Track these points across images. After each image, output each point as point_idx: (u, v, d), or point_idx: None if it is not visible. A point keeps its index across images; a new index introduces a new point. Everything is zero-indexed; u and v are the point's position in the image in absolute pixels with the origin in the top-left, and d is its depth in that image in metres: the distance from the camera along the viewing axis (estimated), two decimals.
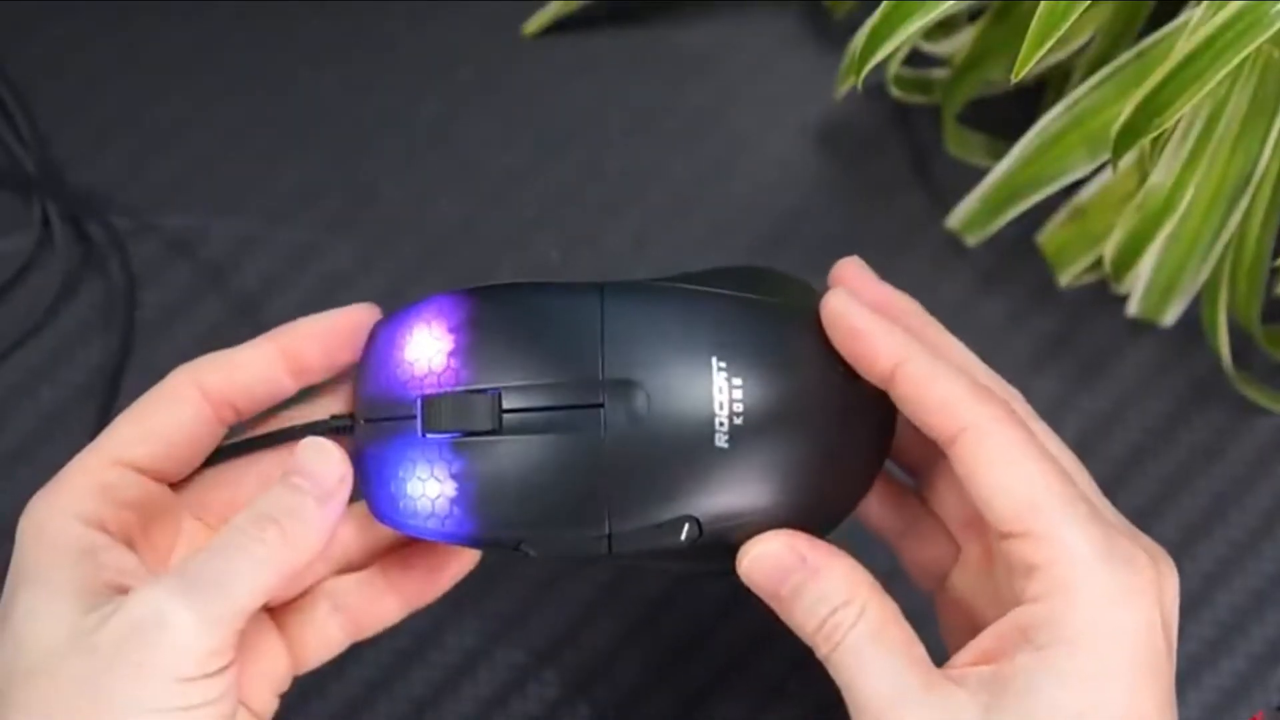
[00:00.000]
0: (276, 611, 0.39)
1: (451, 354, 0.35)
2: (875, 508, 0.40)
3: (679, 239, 0.50)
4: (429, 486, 0.35)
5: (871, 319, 0.36)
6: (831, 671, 0.34)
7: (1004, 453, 0.34)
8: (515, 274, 0.50)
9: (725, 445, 0.34)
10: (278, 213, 0.50)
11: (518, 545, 0.35)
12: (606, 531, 0.34)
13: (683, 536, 0.34)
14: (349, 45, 0.52)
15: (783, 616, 0.35)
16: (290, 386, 0.38)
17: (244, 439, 0.38)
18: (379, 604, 0.39)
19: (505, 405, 0.34)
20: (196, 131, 0.51)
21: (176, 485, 0.38)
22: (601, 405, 0.34)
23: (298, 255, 0.50)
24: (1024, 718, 0.32)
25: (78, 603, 0.33)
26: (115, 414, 0.37)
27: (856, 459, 0.37)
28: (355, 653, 0.45)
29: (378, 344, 0.37)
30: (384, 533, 0.39)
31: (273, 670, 0.38)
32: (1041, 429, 0.37)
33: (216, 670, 0.33)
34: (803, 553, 0.35)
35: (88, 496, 0.35)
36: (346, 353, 0.38)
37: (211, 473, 0.38)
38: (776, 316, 0.36)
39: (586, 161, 0.51)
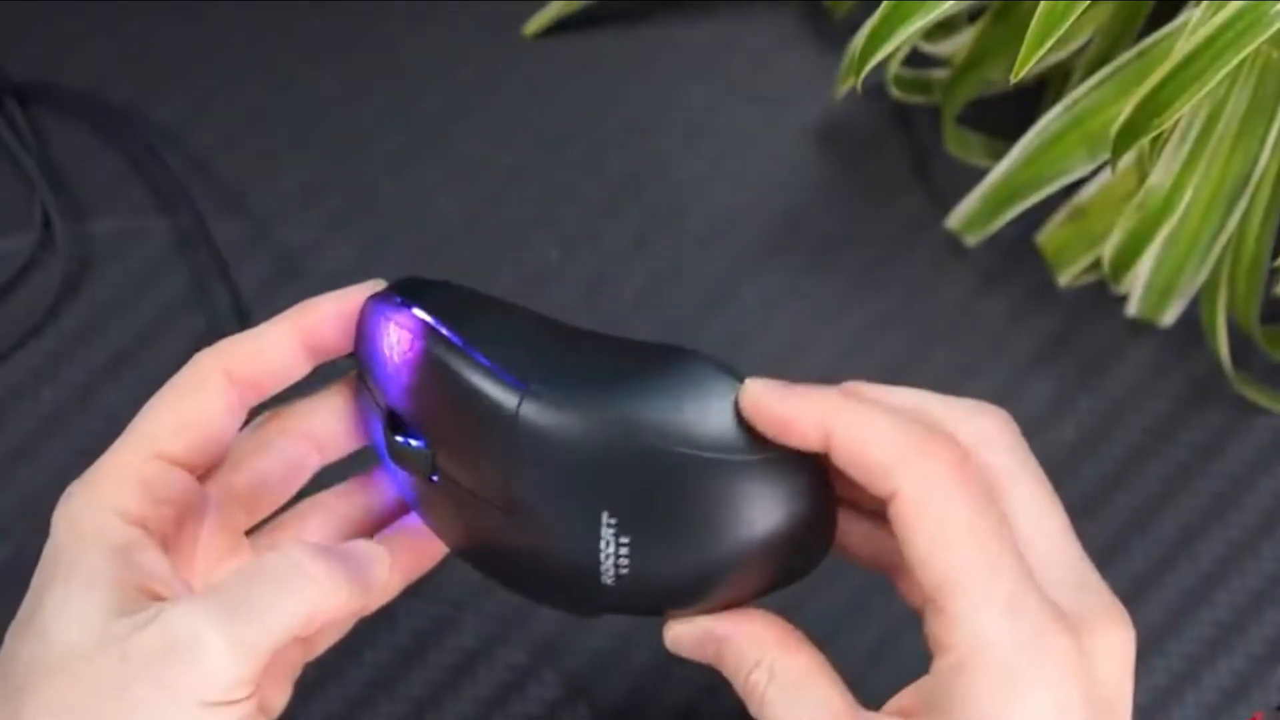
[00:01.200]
0: None
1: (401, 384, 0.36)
2: (855, 541, 0.38)
3: (679, 239, 0.50)
4: None
5: (789, 394, 0.34)
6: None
7: (930, 525, 0.33)
8: (515, 274, 0.50)
9: (611, 584, 0.35)
10: (277, 212, 0.50)
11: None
12: None
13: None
14: (349, 45, 0.52)
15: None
16: (305, 366, 0.38)
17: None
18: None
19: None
20: (196, 131, 0.51)
21: (202, 476, 0.37)
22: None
23: (298, 255, 0.50)
24: None
25: (110, 604, 0.33)
26: (115, 413, 0.37)
27: (773, 556, 0.36)
28: (355, 653, 0.45)
29: (371, 322, 0.38)
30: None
31: (289, 657, 0.38)
32: (1017, 461, 0.35)
33: (242, 697, 0.33)
34: (707, 626, 0.36)
35: (129, 491, 0.35)
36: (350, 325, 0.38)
37: (230, 461, 0.38)
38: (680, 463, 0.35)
39: (586, 161, 0.51)
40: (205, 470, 0.37)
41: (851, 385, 0.36)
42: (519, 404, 0.34)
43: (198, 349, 0.37)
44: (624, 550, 0.34)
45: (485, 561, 0.37)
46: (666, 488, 0.34)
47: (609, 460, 0.34)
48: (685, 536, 0.34)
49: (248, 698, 0.33)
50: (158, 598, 0.34)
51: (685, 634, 0.36)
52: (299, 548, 0.35)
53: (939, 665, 0.33)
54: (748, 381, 0.35)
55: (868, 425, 0.34)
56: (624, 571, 0.34)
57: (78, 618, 0.33)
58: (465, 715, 0.46)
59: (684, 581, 0.35)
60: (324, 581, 0.34)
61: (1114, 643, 0.33)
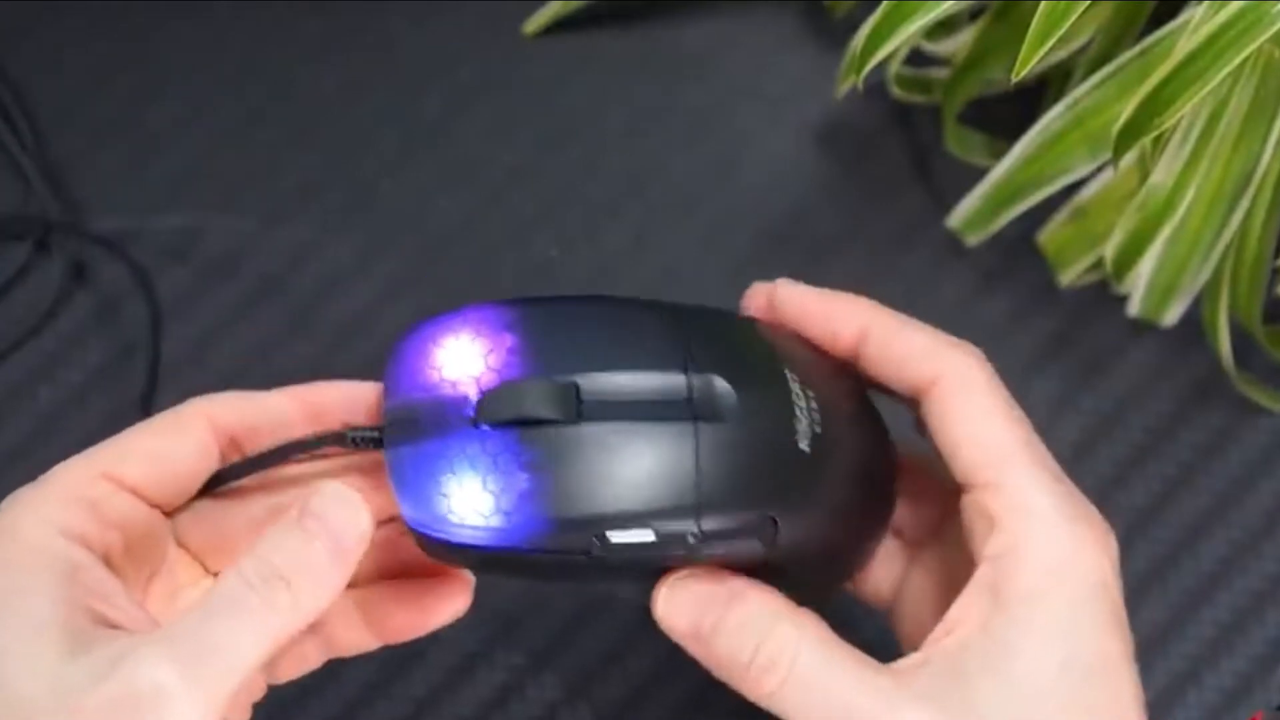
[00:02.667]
0: None
1: (511, 349, 0.32)
2: None
3: (679, 239, 0.50)
4: (491, 482, 0.31)
5: (826, 293, 0.36)
6: (779, 709, 0.32)
7: (977, 403, 0.34)
8: (515, 273, 0.50)
9: (806, 450, 0.33)
10: (277, 212, 0.50)
11: (589, 549, 0.31)
12: (696, 528, 0.32)
13: (763, 538, 0.33)
14: (349, 44, 0.52)
15: (706, 659, 0.33)
16: (300, 431, 0.36)
17: (247, 459, 0.36)
18: (355, 634, 0.37)
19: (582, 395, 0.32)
20: (195, 131, 0.51)
21: (169, 514, 0.36)
22: (690, 399, 0.32)
23: (297, 254, 0.50)
24: (1005, 678, 0.32)
25: (61, 645, 0.31)
26: (113, 415, 0.37)
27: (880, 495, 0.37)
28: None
29: (414, 346, 0.34)
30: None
31: (250, 684, 0.37)
32: (1005, 392, 0.37)
33: None
34: (720, 580, 0.33)
35: (72, 508, 0.33)
36: (364, 418, 0.36)
37: (201, 502, 0.36)
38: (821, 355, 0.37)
39: (586, 161, 0.51)
40: (167, 507, 0.36)
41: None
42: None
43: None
44: (814, 405, 0.34)
45: None
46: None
47: (779, 340, 0.36)
48: (850, 401, 0.36)
49: None
50: (109, 623, 0.32)
51: (686, 585, 0.33)
52: (247, 563, 0.32)
53: (994, 544, 0.33)
54: (781, 281, 0.37)
55: (903, 323, 0.35)
56: (817, 429, 0.34)
57: (28, 667, 0.31)
58: (465, 717, 0.46)
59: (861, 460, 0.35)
60: (282, 604, 0.32)
61: (1114, 539, 0.35)
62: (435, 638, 0.46)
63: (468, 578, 0.37)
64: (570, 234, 0.50)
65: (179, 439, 0.35)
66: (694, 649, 0.33)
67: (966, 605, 0.33)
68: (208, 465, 0.35)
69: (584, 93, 0.52)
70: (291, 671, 0.38)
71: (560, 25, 0.52)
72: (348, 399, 0.36)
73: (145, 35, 0.51)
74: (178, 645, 0.31)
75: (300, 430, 0.35)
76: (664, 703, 0.46)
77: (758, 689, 0.32)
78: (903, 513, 0.39)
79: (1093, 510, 0.34)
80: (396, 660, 0.46)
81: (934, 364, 0.35)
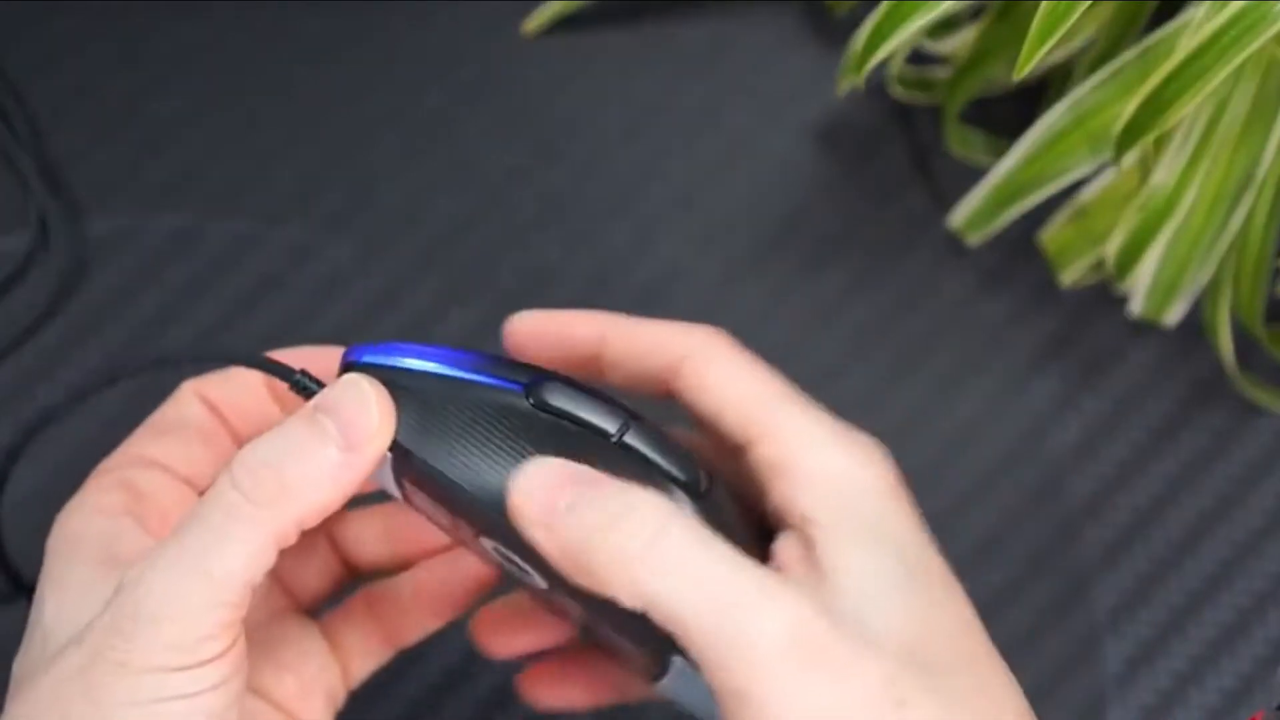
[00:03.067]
0: (322, 619, 0.38)
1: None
2: None
3: (679, 239, 0.50)
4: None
5: (556, 312, 0.37)
6: (643, 592, 0.30)
7: (728, 368, 0.35)
8: (515, 273, 0.50)
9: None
10: (276, 212, 0.50)
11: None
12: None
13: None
14: (349, 44, 0.52)
15: (555, 546, 0.31)
16: (278, 415, 0.37)
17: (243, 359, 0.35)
18: (410, 614, 0.38)
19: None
20: (194, 130, 0.51)
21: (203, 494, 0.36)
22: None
23: (296, 254, 0.49)
24: (867, 603, 0.31)
25: (97, 595, 0.32)
26: (111, 414, 0.37)
27: None
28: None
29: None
30: (410, 530, 0.39)
31: (323, 678, 0.37)
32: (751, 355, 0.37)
33: (212, 656, 0.31)
34: (578, 469, 0.31)
35: (109, 490, 0.35)
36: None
37: None
38: None
39: (586, 160, 0.51)
40: (198, 482, 0.37)
41: None
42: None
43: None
44: None
45: None
46: None
47: None
48: None
49: (219, 656, 0.31)
50: None
51: (541, 471, 0.31)
52: (236, 458, 0.31)
53: (785, 486, 0.33)
54: (513, 318, 0.37)
55: (638, 321, 0.36)
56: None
57: (68, 621, 0.32)
58: (464, 717, 0.45)
59: None
60: (267, 497, 0.30)
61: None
62: (434, 638, 0.46)
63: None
64: (570, 234, 0.50)
65: (181, 412, 0.36)
66: (542, 536, 0.31)
67: (785, 547, 0.33)
68: (219, 435, 0.37)
69: (584, 92, 0.52)
70: (363, 667, 0.38)
71: (560, 25, 0.52)
72: (308, 363, 0.35)
73: (144, 35, 0.51)
74: (167, 554, 0.31)
75: (276, 412, 0.37)
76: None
77: (621, 562, 0.30)
78: None
79: (854, 431, 0.35)
80: (395, 661, 0.46)
81: (676, 346, 0.36)
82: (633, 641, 0.33)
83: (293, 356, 0.35)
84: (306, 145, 0.51)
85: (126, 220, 0.50)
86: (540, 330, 0.37)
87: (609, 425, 0.32)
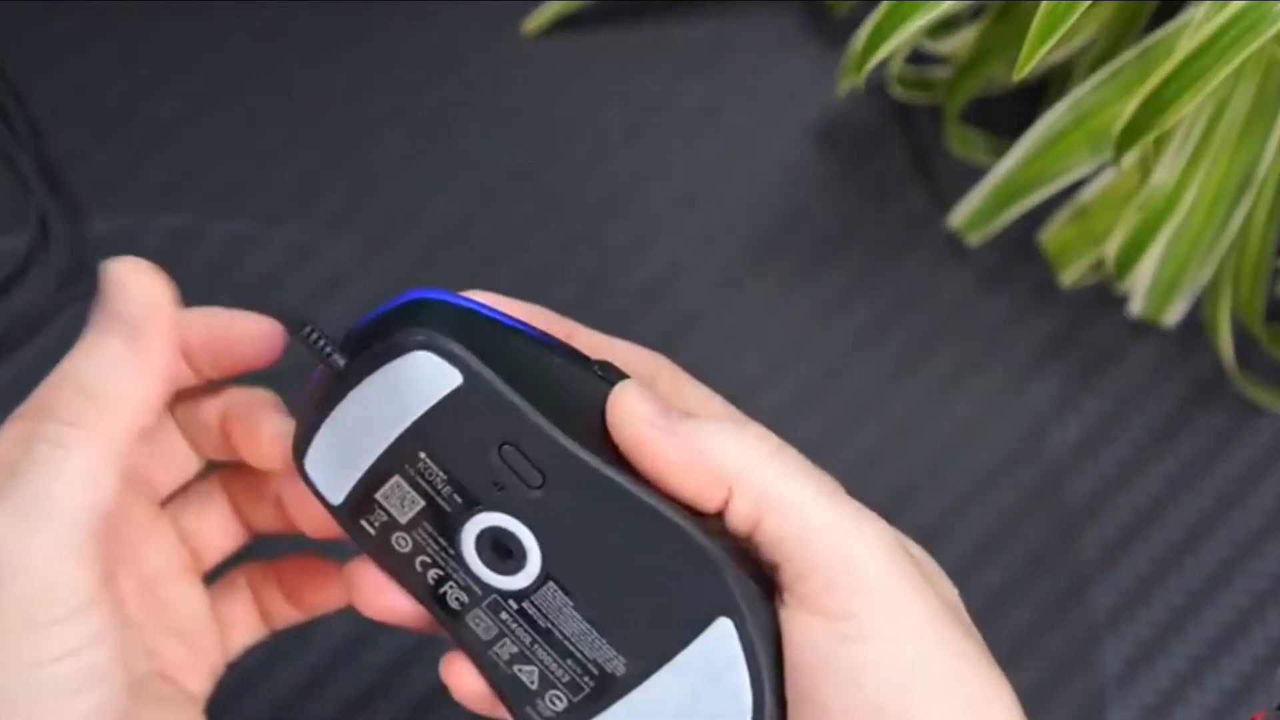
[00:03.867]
0: (210, 588, 0.37)
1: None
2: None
3: (679, 238, 0.50)
4: None
5: (518, 304, 0.34)
6: (771, 489, 0.30)
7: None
8: (515, 273, 0.50)
9: None
10: (276, 211, 0.50)
11: None
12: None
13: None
14: (349, 44, 0.52)
15: (671, 451, 0.31)
16: (187, 372, 0.34)
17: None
18: (279, 599, 0.37)
19: None
20: (194, 130, 0.51)
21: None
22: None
23: (296, 254, 0.49)
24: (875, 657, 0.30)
25: None
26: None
27: None
28: (353, 653, 0.45)
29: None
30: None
31: (207, 647, 0.36)
32: (691, 382, 0.35)
33: (81, 603, 0.29)
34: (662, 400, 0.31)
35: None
36: (233, 358, 0.34)
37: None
38: None
39: (586, 160, 0.51)
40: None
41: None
42: None
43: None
44: None
45: None
46: None
47: None
48: None
49: (89, 603, 0.29)
50: None
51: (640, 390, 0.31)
52: (42, 385, 0.30)
53: (792, 570, 0.31)
54: (470, 293, 0.33)
55: (596, 341, 0.34)
56: None
57: None
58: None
59: None
60: (83, 416, 0.29)
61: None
62: (434, 638, 0.46)
63: None
64: (570, 233, 0.50)
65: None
66: (657, 436, 0.31)
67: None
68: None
69: (584, 91, 0.52)
70: (240, 640, 0.37)
71: (560, 25, 0.52)
72: (216, 335, 0.34)
73: (144, 35, 0.51)
74: (5, 502, 0.29)
75: (185, 371, 0.34)
76: None
77: (752, 459, 0.31)
78: None
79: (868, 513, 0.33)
80: (395, 661, 0.46)
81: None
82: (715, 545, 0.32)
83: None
84: (306, 145, 0.51)
85: (126, 220, 0.50)
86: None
87: None
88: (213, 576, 0.37)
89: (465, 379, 0.30)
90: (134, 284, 0.31)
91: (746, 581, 0.31)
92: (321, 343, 0.32)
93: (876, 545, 0.31)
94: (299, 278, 0.49)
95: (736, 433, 0.31)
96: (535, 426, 0.31)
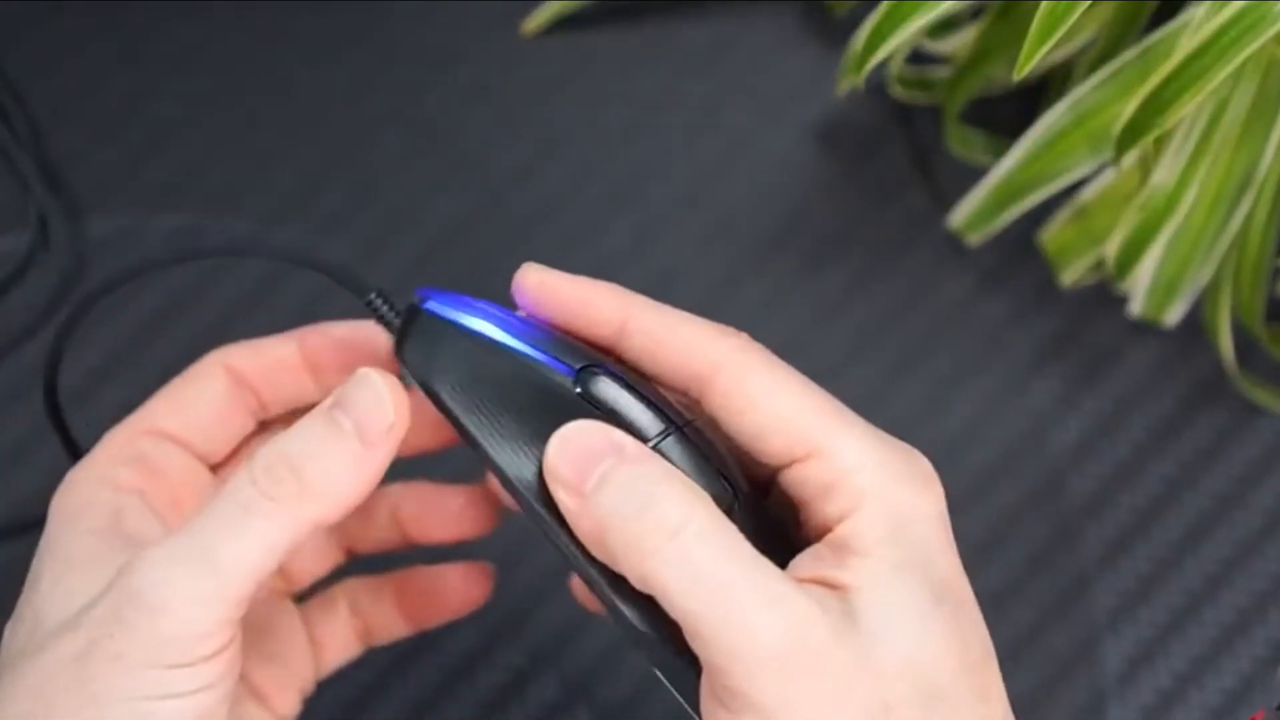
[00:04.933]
0: (302, 608, 0.38)
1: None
2: None
3: (679, 238, 0.50)
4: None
5: (580, 280, 0.34)
6: (655, 580, 0.30)
7: (769, 382, 0.33)
8: (514, 274, 0.50)
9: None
10: (276, 211, 0.50)
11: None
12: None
13: None
14: (349, 45, 0.52)
15: (582, 517, 0.31)
16: (312, 388, 0.37)
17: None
18: (388, 614, 0.39)
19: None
20: (194, 130, 0.51)
21: (215, 469, 0.36)
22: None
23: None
24: (886, 624, 0.30)
25: (98, 580, 0.31)
26: (111, 414, 0.37)
27: None
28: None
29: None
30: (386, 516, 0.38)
31: (300, 669, 0.37)
32: (767, 371, 0.35)
33: (209, 654, 0.30)
34: (619, 440, 0.31)
35: (121, 463, 0.34)
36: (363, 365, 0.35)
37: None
38: None
39: (586, 160, 0.51)
40: (211, 457, 0.36)
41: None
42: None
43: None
44: None
45: None
46: None
47: None
48: None
49: (217, 653, 0.30)
50: None
51: (581, 432, 0.32)
52: (259, 452, 0.31)
53: (835, 506, 0.32)
54: (527, 266, 0.34)
55: (663, 315, 0.33)
56: None
57: (64, 598, 0.31)
58: (464, 717, 0.45)
59: None
60: (286, 495, 0.30)
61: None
62: (434, 639, 0.46)
63: (489, 567, 0.39)
64: (570, 234, 0.50)
65: (203, 386, 0.36)
66: (572, 503, 0.31)
67: (821, 561, 0.32)
68: (237, 410, 0.36)
69: (583, 91, 0.52)
70: (335, 659, 0.38)
71: (560, 25, 0.52)
72: (345, 346, 0.36)
73: (144, 35, 0.51)
74: (178, 545, 0.30)
75: (309, 385, 0.36)
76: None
77: (638, 551, 0.30)
78: None
79: (909, 448, 0.33)
80: (395, 661, 0.46)
81: (707, 356, 0.33)
82: (640, 623, 0.33)
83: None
84: (306, 145, 0.51)
85: (126, 220, 0.49)
86: (554, 292, 0.34)
87: (648, 430, 0.32)
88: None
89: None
90: (387, 402, 0.32)
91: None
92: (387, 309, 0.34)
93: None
94: (299, 278, 0.49)
95: (633, 517, 0.30)
96: (485, 456, 0.32)
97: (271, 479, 0.31)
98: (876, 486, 0.32)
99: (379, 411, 0.31)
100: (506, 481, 0.32)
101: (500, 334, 0.33)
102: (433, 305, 0.33)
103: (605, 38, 0.52)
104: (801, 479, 0.32)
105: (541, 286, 0.34)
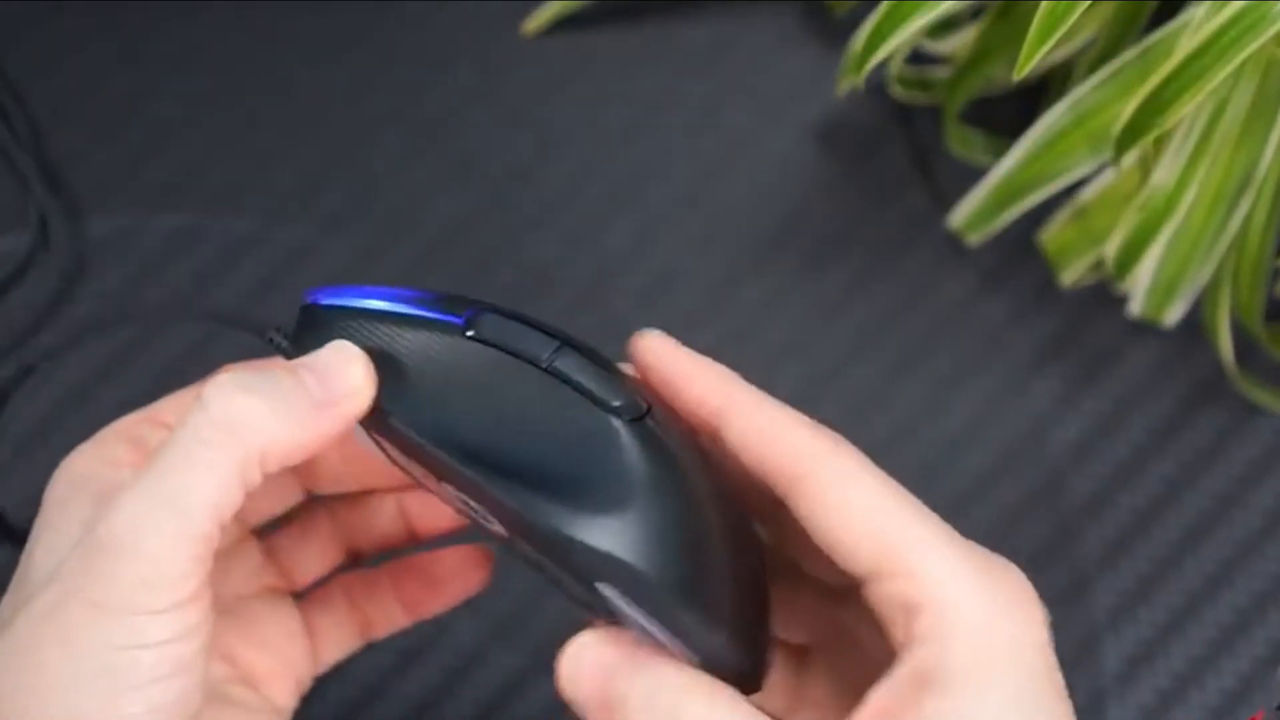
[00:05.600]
0: (300, 602, 0.38)
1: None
2: None
3: (679, 238, 0.50)
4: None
5: (693, 356, 0.33)
6: None
7: (862, 493, 0.31)
8: (515, 273, 0.50)
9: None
10: (276, 211, 0.50)
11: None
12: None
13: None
14: (349, 45, 0.52)
15: None
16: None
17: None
18: (386, 605, 0.39)
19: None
20: (194, 130, 0.51)
21: None
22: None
23: (296, 254, 0.49)
24: None
25: (82, 530, 0.31)
26: (112, 413, 0.37)
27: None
28: (352, 655, 0.45)
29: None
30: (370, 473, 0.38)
31: (295, 658, 0.37)
32: (878, 470, 0.34)
33: (183, 599, 0.30)
34: (627, 646, 0.31)
35: (121, 444, 0.34)
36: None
37: None
38: None
39: (586, 160, 0.51)
40: None
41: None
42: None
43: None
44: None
45: None
46: None
47: None
48: None
49: (189, 600, 0.30)
50: None
51: (590, 647, 0.32)
52: (208, 387, 0.30)
53: (920, 628, 0.30)
54: (647, 331, 0.34)
55: (761, 405, 0.33)
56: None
57: (46, 556, 0.31)
58: (464, 717, 0.45)
59: None
60: (250, 417, 0.30)
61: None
62: (434, 639, 0.46)
63: (487, 551, 0.39)
64: (570, 234, 0.50)
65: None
66: (599, 717, 0.31)
67: (892, 695, 0.30)
68: None
69: (584, 91, 0.52)
70: (332, 654, 0.38)
71: (560, 25, 0.52)
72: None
73: (144, 35, 0.51)
74: (141, 487, 0.30)
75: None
76: None
77: None
78: (782, 617, 0.35)
79: (1007, 565, 0.31)
80: (396, 661, 0.46)
81: (801, 458, 0.32)
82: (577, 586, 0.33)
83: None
84: (306, 145, 0.51)
85: (126, 220, 0.49)
86: (663, 361, 0.33)
87: (542, 351, 0.32)
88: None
89: None
90: (356, 366, 0.31)
91: None
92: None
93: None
94: (299, 278, 0.49)
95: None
96: (423, 451, 0.32)
97: (223, 405, 0.30)
98: (968, 614, 0.30)
99: (345, 372, 0.31)
100: (440, 464, 0.31)
101: (390, 304, 0.32)
102: (324, 299, 0.33)
103: (605, 38, 0.52)
104: (888, 595, 0.31)
105: (653, 353, 0.34)
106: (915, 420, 0.49)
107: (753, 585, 0.34)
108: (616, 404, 0.31)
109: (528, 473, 0.31)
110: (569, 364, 0.32)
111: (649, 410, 0.32)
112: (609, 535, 0.30)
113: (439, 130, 0.51)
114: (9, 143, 0.49)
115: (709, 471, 0.33)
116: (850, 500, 0.31)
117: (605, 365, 0.32)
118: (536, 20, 0.52)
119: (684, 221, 0.51)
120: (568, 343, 0.32)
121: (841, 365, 0.49)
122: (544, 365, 0.32)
